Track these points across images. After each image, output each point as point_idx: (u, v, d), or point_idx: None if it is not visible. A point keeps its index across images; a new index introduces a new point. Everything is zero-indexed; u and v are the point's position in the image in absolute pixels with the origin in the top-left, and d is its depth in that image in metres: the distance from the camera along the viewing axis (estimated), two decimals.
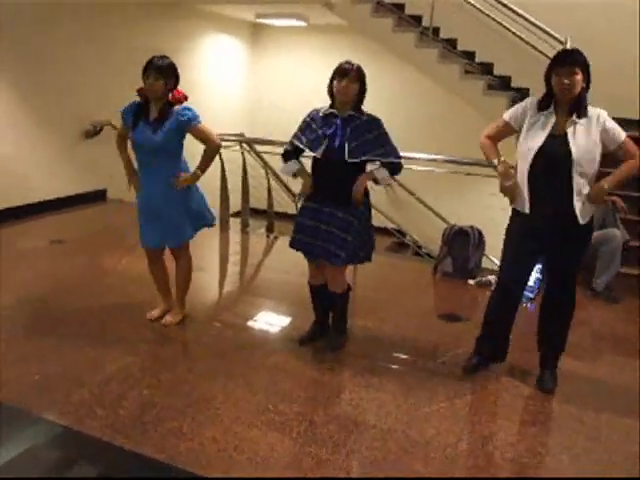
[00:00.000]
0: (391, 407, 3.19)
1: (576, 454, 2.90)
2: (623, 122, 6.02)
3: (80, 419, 2.93)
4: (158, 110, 3.66)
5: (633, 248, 5.50)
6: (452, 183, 7.76)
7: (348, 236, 3.49)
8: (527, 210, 3.25)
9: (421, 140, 8.41)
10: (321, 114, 3.56)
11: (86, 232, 6.40)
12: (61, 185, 7.08)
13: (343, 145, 3.43)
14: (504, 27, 6.96)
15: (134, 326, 4.00)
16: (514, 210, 3.38)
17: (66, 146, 7.12)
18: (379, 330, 4.21)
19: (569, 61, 3.10)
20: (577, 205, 3.15)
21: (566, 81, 3.07)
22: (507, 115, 3.40)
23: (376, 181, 3.57)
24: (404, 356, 3.84)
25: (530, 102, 3.30)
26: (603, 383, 3.66)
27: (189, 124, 3.66)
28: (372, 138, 3.46)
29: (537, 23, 6.57)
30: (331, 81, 3.48)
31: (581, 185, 3.14)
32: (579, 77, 3.07)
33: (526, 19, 6.64)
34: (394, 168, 3.58)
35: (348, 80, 3.40)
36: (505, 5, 6.71)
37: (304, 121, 3.62)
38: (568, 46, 6.19)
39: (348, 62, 3.46)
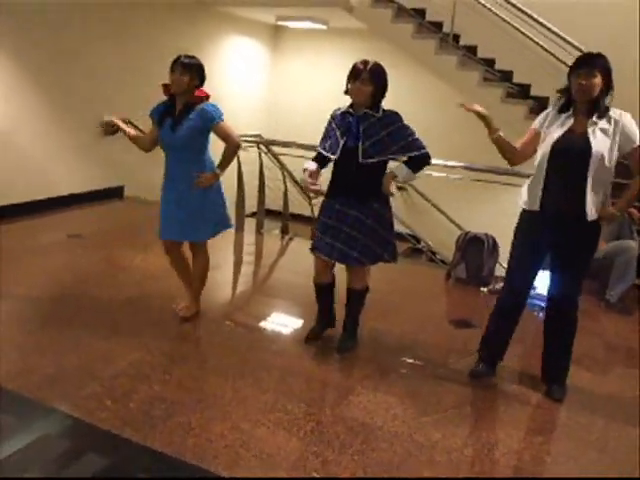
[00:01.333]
0: (398, 410, 3.20)
1: (582, 464, 2.89)
2: None
3: (90, 411, 2.96)
4: (180, 107, 3.75)
5: None
6: (467, 190, 7.75)
7: (358, 235, 3.51)
8: (537, 207, 3.25)
9: (438, 146, 8.36)
10: (339, 113, 3.58)
11: (103, 228, 6.47)
12: (79, 181, 7.16)
13: (357, 145, 3.43)
14: (525, 35, 6.95)
15: (147, 322, 4.04)
16: (523, 210, 3.38)
17: (85, 143, 7.20)
18: (390, 334, 4.22)
19: (588, 63, 3.12)
20: (588, 203, 3.16)
21: (583, 82, 3.10)
22: (534, 124, 3.39)
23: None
24: (414, 360, 3.85)
25: (552, 107, 3.36)
26: (613, 394, 3.64)
27: (213, 121, 3.72)
28: (386, 135, 3.42)
29: (558, 32, 6.56)
30: (346, 82, 3.47)
31: (594, 185, 3.15)
32: (597, 80, 3.09)
33: (547, 28, 6.64)
34: (418, 161, 3.50)
35: (360, 82, 3.38)
36: (526, 13, 6.71)
37: (328, 122, 3.63)
38: None
39: (363, 62, 3.41)
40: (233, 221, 4.12)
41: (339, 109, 3.60)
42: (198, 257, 4.07)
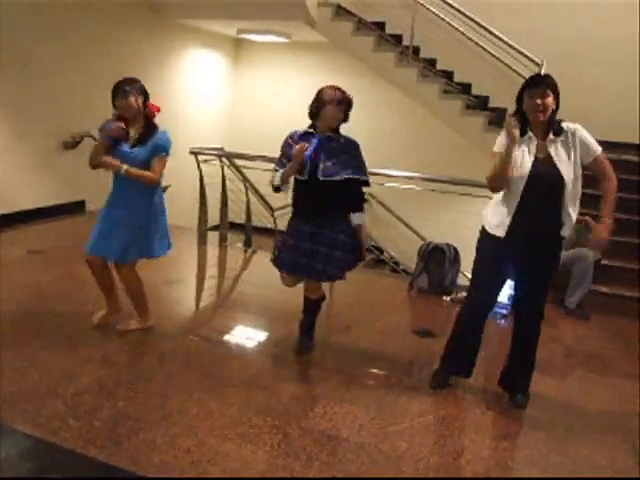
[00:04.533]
0: (364, 421, 3.22)
1: (545, 468, 2.95)
2: (623, 146, 6.14)
3: (54, 430, 2.91)
4: (139, 128, 3.78)
5: (607, 267, 5.60)
6: (429, 201, 7.84)
7: (336, 252, 3.62)
8: (502, 234, 3.28)
9: (400, 157, 8.51)
10: (300, 133, 3.67)
11: (64, 243, 6.37)
12: (40, 196, 7.05)
13: (317, 165, 3.52)
14: (483, 48, 7.10)
15: (110, 338, 3.99)
16: (487, 233, 3.38)
17: (45, 157, 7.10)
18: (355, 345, 4.25)
19: (541, 83, 3.20)
20: (566, 224, 3.23)
21: (538, 101, 3.15)
22: (497, 147, 3.32)
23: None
24: (379, 371, 3.88)
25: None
26: (573, 399, 3.73)
27: (158, 151, 3.76)
28: (347, 159, 3.57)
29: (514, 45, 6.72)
30: (319, 105, 3.56)
31: (570, 205, 3.21)
32: (550, 99, 3.17)
33: (504, 41, 6.79)
34: (360, 197, 3.71)
35: (338, 109, 3.54)
36: (483, 26, 6.86)
37: (286, 143, 3.69)
38: (544, 68, 6.35)
39: (340, 90, 3.56)
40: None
41: (296, 131, 3.71)
42: (124, 278, 4.02)
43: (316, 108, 3.58)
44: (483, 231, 3.45)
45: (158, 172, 3.78)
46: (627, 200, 6.10)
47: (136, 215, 3.84)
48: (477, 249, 3.50)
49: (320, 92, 3.59)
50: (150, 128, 3.79)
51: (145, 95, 3.80)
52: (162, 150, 3.77)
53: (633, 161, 6.78)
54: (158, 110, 3.88)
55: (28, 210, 6.88)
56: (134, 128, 3.79)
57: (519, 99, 3.27)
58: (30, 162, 6.95)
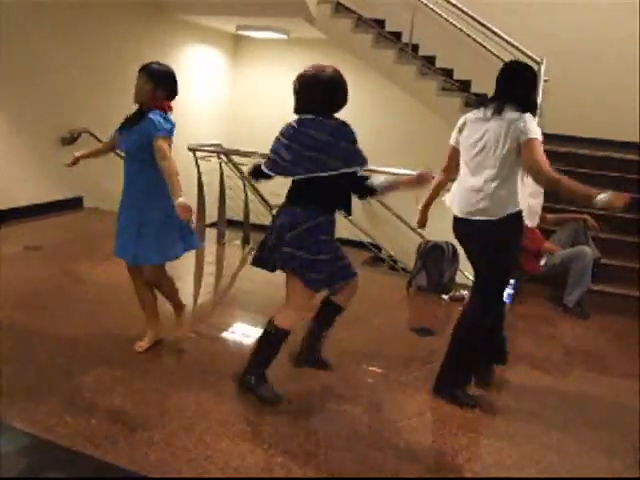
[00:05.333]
0: (362, 419, 3.22)
1: (544, 467, 2.95)
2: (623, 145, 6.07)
3: (50, 428, 2.90)
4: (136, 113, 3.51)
5: (607, 266, 5.59)
6: None
7: None
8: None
9: (399, 154, 8.47)
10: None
11: (62, 239, 6.36)
12: (37, 192, 7.03)
13: None
14: (482, 46, 7.09)
15: (108, 335, 3.98)
16: (521, 225, 3.32)
17: (43, 153, 7.07)
18: (352, 343, 4.23)
19: None
20: None
21: None
22: (539, 133, 3.16)
23: None
24: (377, 369, 3.86)
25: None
26: (572, 397, 3.72)
27: (152, 134, 3.35)
28: None
29: (514, 43, 6.70)
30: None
31: None
32: None
33: (504, 39, 6.77)
34: None
35: None
36: (482, 24, 6.85)
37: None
38: (544, 66, 6.33)
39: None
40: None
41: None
42: (162, 285, 3.84)
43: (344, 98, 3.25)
44: (518, 218, 3.28)
45: (165, 157, 3.31)
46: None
47: (135, 212, 3.53)
48: (512, 239, 3.32)
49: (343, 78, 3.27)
50: (140, 114, 3.44)
51: (168, 89, 3.51)
52: (151, 132, 3.34)
53: (633, 160, 6.77)
54: (169, 108, 3.55)
55: (26, 206, 6.85)
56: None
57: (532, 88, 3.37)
58: (28, 158, 6.93)
